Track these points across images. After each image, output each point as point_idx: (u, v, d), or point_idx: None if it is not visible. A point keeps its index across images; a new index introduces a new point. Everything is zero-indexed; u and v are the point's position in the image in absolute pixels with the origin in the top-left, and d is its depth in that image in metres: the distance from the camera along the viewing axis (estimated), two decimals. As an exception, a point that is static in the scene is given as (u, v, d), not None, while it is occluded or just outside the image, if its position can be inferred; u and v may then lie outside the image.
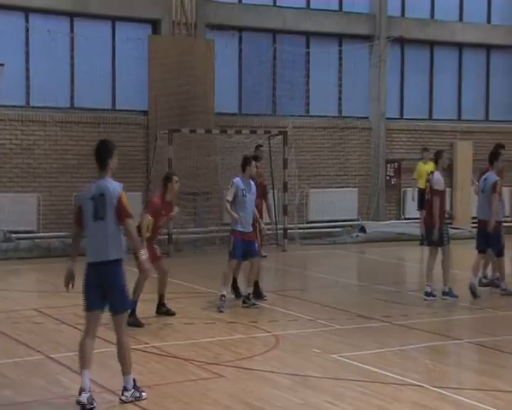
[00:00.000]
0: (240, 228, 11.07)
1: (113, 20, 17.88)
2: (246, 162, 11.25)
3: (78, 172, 17.00)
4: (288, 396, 7.24)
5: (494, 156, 12.37)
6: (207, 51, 18.21)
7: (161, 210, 10.29)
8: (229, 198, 11.13)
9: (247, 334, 9.71)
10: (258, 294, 11.56)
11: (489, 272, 12.93)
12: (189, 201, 17.86)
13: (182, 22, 18.19)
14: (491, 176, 12.22)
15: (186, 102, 17.83)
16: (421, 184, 18.57)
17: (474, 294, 11.92)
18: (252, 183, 11.31)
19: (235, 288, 11.78)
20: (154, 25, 18.35)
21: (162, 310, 10.59)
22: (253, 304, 11.19)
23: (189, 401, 7.08)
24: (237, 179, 11.21)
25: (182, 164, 17.38)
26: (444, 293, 11.83)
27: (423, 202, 18.40)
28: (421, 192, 18.59)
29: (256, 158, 11.97)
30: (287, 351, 8.94)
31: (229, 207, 11.14)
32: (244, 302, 11.22)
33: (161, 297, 10.61)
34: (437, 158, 12.12)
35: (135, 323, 9.77)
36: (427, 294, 11.77)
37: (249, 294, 11.26)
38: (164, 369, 8.13)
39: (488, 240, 12.19)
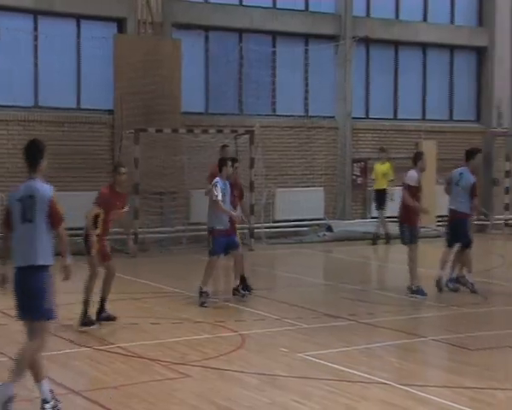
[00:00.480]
0: (219, 226, 11.37)
1: (78, 18, 17.69)
2: (222, 163, 11.65)
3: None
4: (255, 396, 7.22)
5: (471, 154, 12.53)
6: (174, 51, 18.11)
7: (111, 201, 9.85)
8: (220, 197, 11.35)
9: (213, 334, 9.67)
10: (245, 287, 11.76)
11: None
12: (155, 200, 17.76)
13: (148, 21, 18.05)
14: (468, 174, 12.36)
15: (152, 102, 17.71)
16: (378, 184, 18.75)
17: (439, 288, 12.17)
18: (227, 183, 11.65)
19: (244, 284, 11.82)
20: (120, 24, 18.18)
21: (102, 316, 10.02)
22: (243, 296, 11.57)
23: (154, 402, 7.02)
24: (217, 180, 11.50)
25: (148, 163, 17.29)
26: (412, 292, 11.91)
27: (381, 202, 18.68)
28: (379, 193, 18.76)
29: (235, 160, 12.39)
30: (253, 350, 8.93)
31: (222, 205, 11.35)
32: (234, 294, 11.66)
33: (103, 301, 10.05)
34: (416, 159, 12.28)
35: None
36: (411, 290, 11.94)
37: (238, 286, 11.66)
38: (129, 369, 8.05)
39: (457, 232, 12.34)
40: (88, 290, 9.80)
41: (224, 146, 17.05)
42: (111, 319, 10.04)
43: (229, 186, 11.62)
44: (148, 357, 8.45)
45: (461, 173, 12.43)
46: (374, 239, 18.58)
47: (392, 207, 18.14)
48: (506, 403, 7.10)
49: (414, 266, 12.04)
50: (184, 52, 18.20)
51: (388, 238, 18.32)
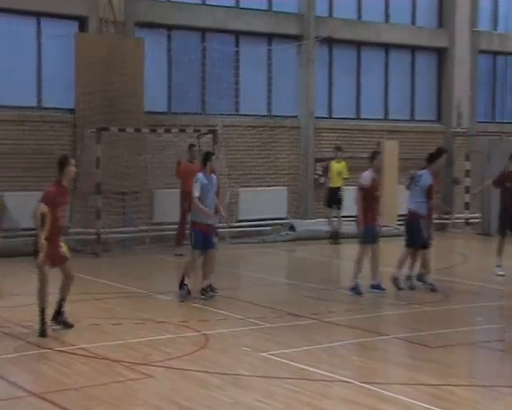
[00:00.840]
0: (199, 219, 11.56)
1: (38, 16, 17.48)
2: (206, 158, 11.86)
3: (2, 172, 16.58)
4: (217, 396, 7.22)
5: (434, 157, 12.72)
6: (136, 50, 18.00)
7: (57, 198, 9.39)
8: (197, 194, 11.52)
9: (176, 334, 9.64)
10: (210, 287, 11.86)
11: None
12: (117, 200, 17.64)
13: (110, 20, 17.91)
14: (427, 176, 12.56)
15: (115, 101, 17.59)
16: (333, 183, 18.86)
17: (396, 286, 12.41)
18: (213, 176, 11.89)
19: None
20: (82, 22, 18.01)
21: (59, 319, 9.64)
22: (211, 296, 11.61)
23: (116, 403, 6.97)
24: (200, 175, 11.65)
25: (111, 163, 17.18)
26: (351, 288, 12.14)
27: (333, 200, 18.80)
28: (333, 191, 18.85)
29: (211, 154, 12.41)
30: (217, 350, 8.92)
31: (197, 202, 11.49)
32: (202, 294, 11.62)
33: (60, 304, 9.66)
34: (372, 158, 12.46)
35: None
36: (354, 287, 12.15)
37: (208, 286, 11.67)
38: (91, 371, 7.99)
39: (412, 233, 12.55)
40: (41, 299, 9.29)
41: (192, 145, 17.06)
42: (67, 325, 9.60)
43: (215, 179, 11.87)
44: (110, 358, 8.39)
45: (420, 175, 12.62)
46: (333, 238, 18.66)
47: (349, 207, 18.39)
48: (465, 399, 7.20)
49: (374, 266, 12.24)
50: (147, 51, 18.11)
51: (338, 237, 18.44)
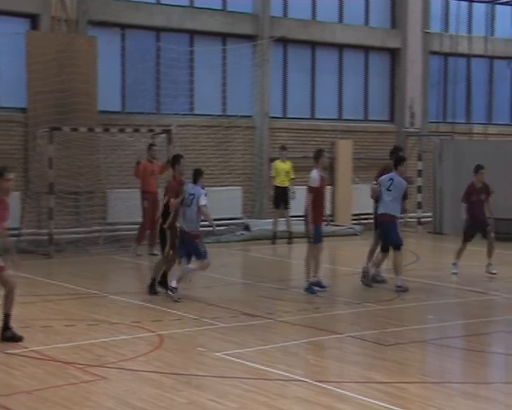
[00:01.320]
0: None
1: (-11, 13, 17.21)
2: (175, 161, 12.30)
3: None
4: (171, 396, 7.19)
5: (399, 161, 12.94)
6: (89, 48, 17.81)
7: None
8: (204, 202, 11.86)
9: (130, 335, 9.57)
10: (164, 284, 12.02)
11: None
12: (71, 200, 17.45)
13: (62, 18, 17.70)
14: (399, 178, 12.76)
15: (68, 100, 17.37)
16: (278, 182, 18.89)
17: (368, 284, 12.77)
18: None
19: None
20: (33, 20, 17.77)
21: (6, 335, 8.98)
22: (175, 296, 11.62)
23: (68, 405, 6.90)
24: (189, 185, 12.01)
25: (63, 163, 16.98)
26: (305, 288, 12.25)
27: (279, 200, 18.83)
28: (278, 190, 18.87)
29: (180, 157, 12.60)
30: (171, 351, 8.88)
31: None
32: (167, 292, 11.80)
33: (6, 319, 9.02)
34: (317, 157, 12.50)
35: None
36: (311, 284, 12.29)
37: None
38: (43, 373, 7.88)
39: (389, 235, 12.72)
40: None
41: (151, 145, 16.94)
42: (16, 339, 8.96)
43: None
44: (62, 360, 8.29)
45: (391, 179, 12.75)
46: (274, 238, 18.64)
47: (296, 206, 18.52)
48: (417, 396, 7.30)
49: (313, 263, 12.39)
50: (100, 50, 17.93)
51: (291, 237, 18.50)
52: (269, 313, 10.71)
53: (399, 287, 12.50)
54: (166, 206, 11.95)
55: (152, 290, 11.93)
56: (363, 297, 12.07)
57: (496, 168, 20.27)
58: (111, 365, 8.17)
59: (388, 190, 12.68)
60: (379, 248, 13.07)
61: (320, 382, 7.63)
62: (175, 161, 12.11)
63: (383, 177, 12.92)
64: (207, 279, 13.88)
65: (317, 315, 10.87)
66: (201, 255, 11.78)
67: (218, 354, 8.63)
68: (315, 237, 12.29)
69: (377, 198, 12.93)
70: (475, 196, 14.25)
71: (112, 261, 15.93)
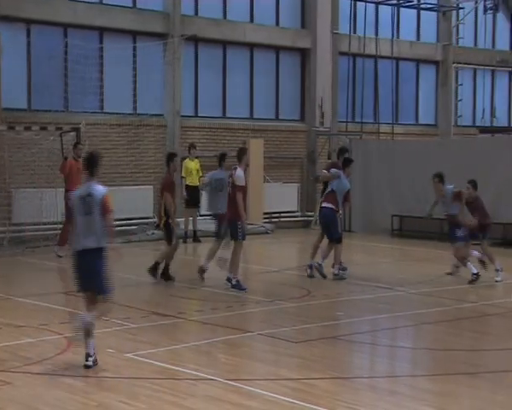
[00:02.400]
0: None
1: None
2: (169, 158, 13.14)
3: None
4: (81, 399, 7.08)
5: (347, 163, 13.84)
6: (-8, 43, 17.31)
7: None
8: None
9: (36, 337, 9.32)
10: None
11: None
12: (-26, 200, 16.92)
13: (-36, 12, 17.15)
14: (346, 181, 13.74)
15: (-31, 97, 16.85)
16: (192, 181, 18.88)
17: (322, 275, 13.51)
18: None
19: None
20: None
21: None
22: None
23: (-29, 413, 6.68)
24: None
25: (-34, 161, 16.46)
26: (232, 286, 12.37)
27: (195, 199, 18.82)
28: (190, 189, 18.85)
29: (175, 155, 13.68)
30: (80, 353, 8.69)
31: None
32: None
33: None
34: (240, 155, 12.71)
35: None
36: (228, 279, 12.53)
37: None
38: None
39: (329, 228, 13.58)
40: None
41: (77, 143, 16.48)
42: None
43: None
44: (-35, 366, 8.02)
45: (339, 177, 13.69)
46: (185, 237, 18.61)
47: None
48: (326, 392, 7.40)
49: (237, 261, 12.54)
50: (4, 46, 17.40)
51: (197, 236, 18.49)
52: (180, 313, 10.67)
53: (336, 275, 13.41)
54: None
55: (167, 277, 13.08)
56: (274, 295, 12.17)
57: (403, 166, 20.79)
58: (16, 369, 7.95)
59: (332, 186, 13.60)
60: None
61: (230, 380, 7.65)
62: (169, 158, 13.00)
63: (333, 169, 13.69)
64: (117, 279, 13.61)
65: (229, 314, 10.88)
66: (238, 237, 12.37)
67: (128, 354, 8.53)
68: (242, 234, 12.48)
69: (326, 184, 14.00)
70: None
71: (17, 263, 15.50)
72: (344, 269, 13.72)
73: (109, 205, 8.22)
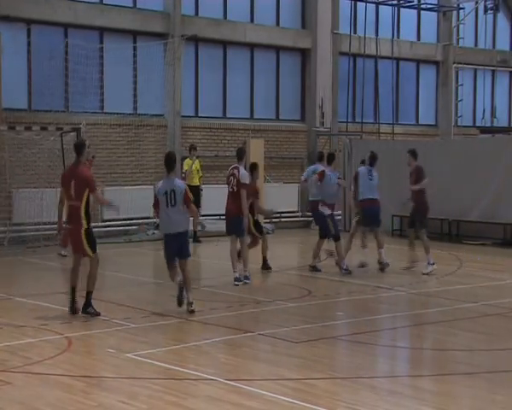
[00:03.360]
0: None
1: None
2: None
3: None
4: (80, 399, 7.07)
5: (332, 159, 14.54)
6: (-7, 44, 17.33)
7: None
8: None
9: (37, 337, 9.33)
10: None
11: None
12: (-26, 200, 16.94)
13: (-36, 12, 17.17)
14: (334, 174, 14.31)
15: (-30, 97, 16.87)
16: (193, 181, 18.86)
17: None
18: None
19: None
20: None
21: None
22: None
23: (-28, 413, 6.69)
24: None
25: (-34, 161, 16.49)
26: (245, 277, 12.87)
27: (196, 199, 18.82)
28: (193, 189, 18.82)
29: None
30: (80, 353, 8.73)
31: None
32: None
33: None
34: (241, 154, 13.16)
35: None
36: (236, 279, 12.80)
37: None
38: None
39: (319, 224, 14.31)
40: None
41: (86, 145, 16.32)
42: None
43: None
44: (-35, 366, 8.03)
45: (329, 174, 14.23)
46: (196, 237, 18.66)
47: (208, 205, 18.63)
48: (326, 392, 7.41)
49: (246, 257, 13.08)
50: (5, 46, 17.43)
51: (198, 237, 18.51)
52: (180, 313, 10.66)
53: (346, 270, 13.96)
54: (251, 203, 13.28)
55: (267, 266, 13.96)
56: (275, 295, 12.18)
57: (403, 167, 20.80)
58: (16, 369, 7.96)
59: (323, 183, 14.19)
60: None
61: (230, 380, 7.65)
62: (253, 167, 13.64)
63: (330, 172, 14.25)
64: (118, 280, 13.71)
65: (229, 314, 10.88)
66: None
67: (128, 354, 8.53)
68: (244, 230, 12.97)
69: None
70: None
71: (17, 263, 15.52)
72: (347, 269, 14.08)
73: (190, 196, 10.61)
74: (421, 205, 14.40)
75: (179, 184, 10.66)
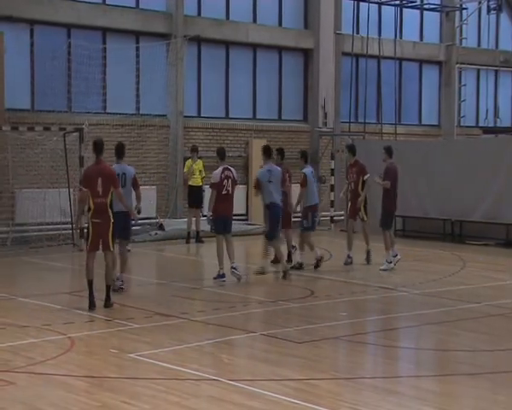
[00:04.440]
0: None
1: None
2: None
3: None
4: (83, 399, 7.08)
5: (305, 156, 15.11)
6: (-4, 44, 17.35)
7: None
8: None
9: (40, 338, 9.34)
10: None
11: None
12: (-23, 200, 16.96)
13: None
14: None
15: (-27, 97, 16.88)
16: (196, 181, 18.85)
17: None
18: None
19: None
20: None
21: None
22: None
23: (-25, 413, 6.70)
24: None
25: (-31, 162, 16.50)
26: (232, 268, 13.12)
27: (198, 199, 18.84)
28: (195, 190, 18.82)
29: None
30: (83, 353, 8.74)
31: None
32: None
33: None
34: (223, 155, 13.56)
35: None
36: (220, 276, 13.14)
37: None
38: None
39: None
40: None
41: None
42: None
43: None
44: (-32, 366, 8.04)
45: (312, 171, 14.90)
46: (188, 238, 18.60)
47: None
48: (328, 392, 7.41)
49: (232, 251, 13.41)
50: (7, 46, 17.44)
51: (200, 237, 18.47)
52: (183, 313, 10.67)
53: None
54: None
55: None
56: (277, 295, 12.18)
57: (405, 167, 20.77)
58: (19, 369, 7.97)
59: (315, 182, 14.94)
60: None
61: (233, 380, 7.66)
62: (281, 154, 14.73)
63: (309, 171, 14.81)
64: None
65: (231, 314, 10.88)
66: None
67: (131, 355, 8.53)
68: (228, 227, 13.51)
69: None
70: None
71: (20, 263, 15.54)
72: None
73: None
74: (386, 204, 14.55)
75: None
